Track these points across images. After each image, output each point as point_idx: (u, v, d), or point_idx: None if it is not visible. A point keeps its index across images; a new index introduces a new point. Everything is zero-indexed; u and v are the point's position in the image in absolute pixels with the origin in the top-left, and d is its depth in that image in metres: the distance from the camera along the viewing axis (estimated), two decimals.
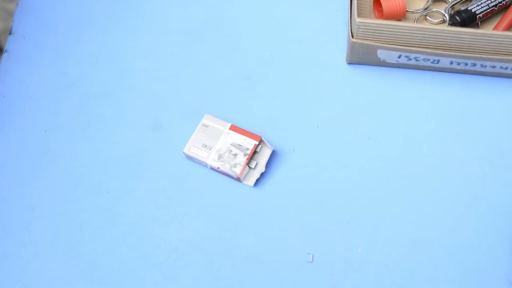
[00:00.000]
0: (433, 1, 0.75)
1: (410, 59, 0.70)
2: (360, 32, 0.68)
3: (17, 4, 0.79)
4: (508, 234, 0.63)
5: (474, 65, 0.70)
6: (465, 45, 0.67)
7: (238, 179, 0.65)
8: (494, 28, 0.72)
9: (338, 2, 0.77)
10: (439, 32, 0.66)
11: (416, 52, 0.68)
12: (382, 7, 0.72)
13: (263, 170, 0.66)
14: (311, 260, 0.63)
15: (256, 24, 0.76)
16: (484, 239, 0.63)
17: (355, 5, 0.68)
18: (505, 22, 0.71)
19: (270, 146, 0.67)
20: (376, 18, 0.75)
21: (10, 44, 0.77)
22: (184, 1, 0.78)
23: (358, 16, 0.71)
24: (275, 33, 0.75)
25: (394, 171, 0.67)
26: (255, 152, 0.66)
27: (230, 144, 0.66)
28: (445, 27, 0.67)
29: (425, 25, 0.66)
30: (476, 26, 0.74)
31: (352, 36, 0.69)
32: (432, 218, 0.64)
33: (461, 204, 0.65)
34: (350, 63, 0.73)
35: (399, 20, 0.74)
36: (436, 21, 0.74)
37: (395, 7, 0.72)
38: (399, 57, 0.70)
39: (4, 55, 0.76)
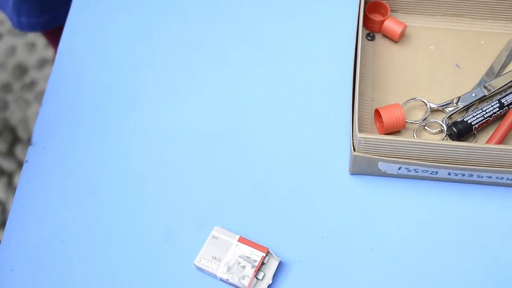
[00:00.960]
0: (431, 112, 0.79)
1: (409, 171, 0.74)
2: (361, 146, 0.72)
3: (38, 115, 0.84)
4: None
5: (471, 175, 0.73)
6: (461, 158, 0.71)
7: None
8: (489, 140, 0.76)
9: (341, 114, 0.81)
10: (436, 146, 0.70)
11: (415, 164, 0.72)
12: (382, 119, 0.76)
13: (270, 282, 0.69)
14: None
15: (264, 135, 0.80)
16: None
17: (356, 121, 0.72)
18: (498, 134, 0.75)
19: (276, 258, 0.70)
20: (377, 129, 0.79)
21: (30, 155, 0.81)
22: (194, 110, 0.83)
23: (360, 131, 0.75)
24: (281, 144, 0.79)
25: (397, 281, 0.69)
26: (262, 263, 0.69)
27: (239, 256, 0.69)
28: (442, 141, 0.70)
29: (423, 139, 0.70)
30: (473, 136, 0.78)
31: (354, 150, 0.73)
32: None
33: None
34: (352, 173, 0.76)
35: (399, 130, 0.78)
36: (434, 131, 0.78)
37: (394, 119, 0.76)
38: (399, 168, 0.73)
39: (25, 165, 0.80)
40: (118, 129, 0.82)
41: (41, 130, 0.83)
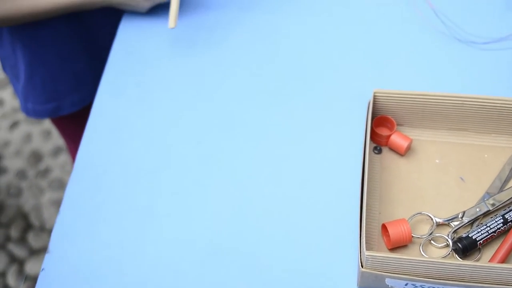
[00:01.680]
0: (437, 226, 0.81)
1: (416, 287, 0.75)
2: (369, 263, 0.74)
3: (55, 224, 0.87)
4: None
5: None
6: (466, 275, 0.73)
7: None
8: (493, 256, 0.78)
9: (349, 227, 0.83)
10: (441, 264, 0.72)
11: (421, 281, 0.74)
12: (389, 234, 0.78)
13: None
14: None
15: (274, 247, 0.82)
16: None
17: (364, 238, 0.74)
18: (502, 251, 0.77)
19: None
20: (385, 242, 0.81)
21: (47, 263, 0.83)
22: (205, 219, 0.85)
23: (367, 246, 0.77)
24: (290, 256, 0.81)
25: None
26: None
27: None
28: (447, 260, 0.73)
29: (428, 258, 0.72)
30: (478, 251, 0.80)
31: (362, 266, 0.75)
32: None
33: None
34: (360, 287, 0.78)
35: (406, 245, 0.80)
36: (440, 245, 0.80)
37: (401, 234, 0.78)
38: (406, 284, 0.75)
39: (41, 273, 0.82)
40: (133, 239, 0.84)
41: (57, 238, 0.86)
